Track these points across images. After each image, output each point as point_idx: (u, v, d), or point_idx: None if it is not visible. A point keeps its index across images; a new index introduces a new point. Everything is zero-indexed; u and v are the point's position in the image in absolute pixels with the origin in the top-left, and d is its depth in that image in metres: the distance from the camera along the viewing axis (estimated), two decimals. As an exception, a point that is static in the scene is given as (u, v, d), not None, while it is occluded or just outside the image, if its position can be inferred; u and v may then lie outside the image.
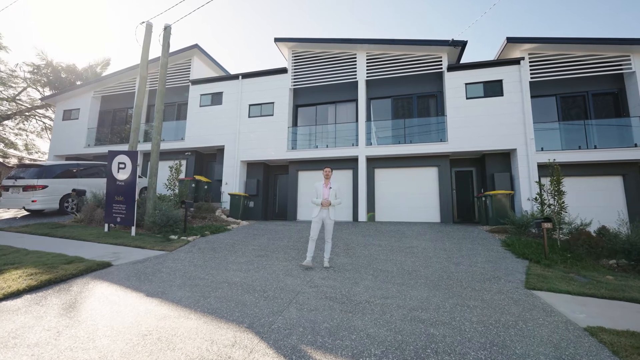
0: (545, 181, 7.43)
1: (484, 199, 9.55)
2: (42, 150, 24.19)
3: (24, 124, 21.77)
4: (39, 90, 20.81)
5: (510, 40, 10.44)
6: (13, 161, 22.79)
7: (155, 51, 13.59)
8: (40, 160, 22.08)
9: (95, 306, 3.30)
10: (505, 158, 10.76)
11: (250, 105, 13.11)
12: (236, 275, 4.51)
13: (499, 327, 2.95)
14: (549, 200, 6.74)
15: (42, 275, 3.98)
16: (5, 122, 20.79)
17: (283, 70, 12.93)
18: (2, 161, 21.55)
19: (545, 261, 5.27)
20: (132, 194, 7.31)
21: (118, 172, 7.48)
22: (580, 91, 10.68)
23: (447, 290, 3.99)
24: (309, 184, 11.94)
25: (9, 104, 19.88)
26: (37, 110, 21.63)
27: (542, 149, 10.05)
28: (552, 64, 10.41)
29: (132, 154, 7.51)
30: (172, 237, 7.15)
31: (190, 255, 5.63)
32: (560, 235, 6.51)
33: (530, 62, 10.50)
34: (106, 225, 7.48)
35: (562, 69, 10.32)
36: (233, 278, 4.35)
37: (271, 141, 12.44)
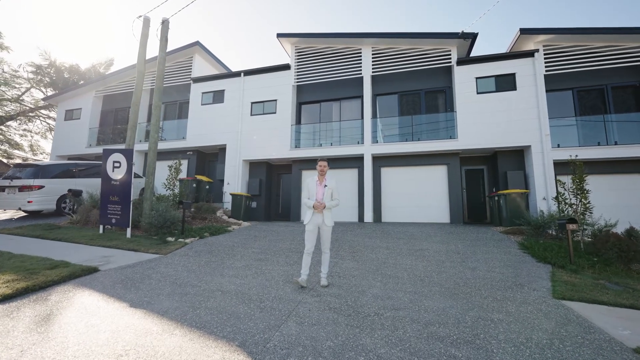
0: (564, 179, 6.93)
1: (497, 198, 9.06)
2: (47, 151, 24.21)
3: (27, 125, 21.75)
4: (42, 91, 20.76)
5: (524, 31, 9.92)
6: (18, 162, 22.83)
7: (155, 47, 13.33)
8: (44, 161, 22.03)
9: (70, 319, 2.95)
10: (518, 155, 10.24)
11: (252, 103, 12.76)
12: (232, 282, 4.13)
13: (532, 347, 2.52)
14: (570, 199, 6.25)
15: (19, 282, 3.65)
16: (9, 122, 20.78)
17: (286, 67, 12.57)
18: (7, 162, 21.56)
19: (570, 266, 4.81)
20: (127, 194, 6.99)
21: (113, 171, 7.17)
22: (598, 84, 10.11)
23: (466, 300, 3.57)
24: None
25: (12, 105, 19.83)
26: (41, 111, 21.61)
27: (558, 146, 9.52)
28: (568, 56, 9.87)
29: (127, 152, 7.20)
30: (169, 239, 6.81)
31: (185, 259, 5.27)
32: (584, 238, 6.02)
33: (545, 54, 9.97)
34: (101, 226, 7.17)
35: (579, 61, 9.77)
36: (228, 285, 3.97)
37: (274, 140, 12.08)
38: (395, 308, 3.31)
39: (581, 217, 6.01)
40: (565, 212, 6.32)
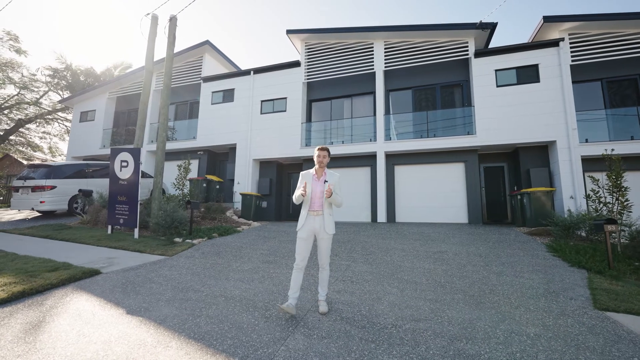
0: (598, 176, 6.38)
1: (519, 197, 8.52)
2: (65, 152, 24.88)
3: (45, 127, 22.33)
4: (59, 94, 21.26)
5: (548, 19, 9.32)
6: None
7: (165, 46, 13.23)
8: (57, 162, 22.56)
9: (62, 327, 2.74)
10: (542, 151, 9.63)
11: (262, 101, 12.57)
12: (237, 286, 3.87)
13: (581, 370, 2.14)
14: (605, 197, 5.72)
15: (16, 285, 3.49)
16: (29, 125, 21.36)
17: (296, 64, 12.31)
18: (26, 164, 22.21)
19: (610, 272, 4.33)
20: (134, 194, 6.87)
21: (121, 170, 7.07)
22: (630, 74, 9.38)
23: (494, 310, 3.19)
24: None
25: (31, 107, 20.38)
26: (59, 114, 22.15)
27: (586, 141, 8.89)
28: (596, 45, 9.20)
29: (134, 152, 7.08)
30: (177, 239, 6.64)
31: (190, 262, 5.06)
32: (621, 240, 5.49)
33: (571, 43, 9.34)
34: (109, 227, 7.08)
35: (609, 49, 9.09)
36: (232, 291, 3.71)
37: (284, 138, 11.85)
38: (415, 319, 2.97)
39: (618, 216, 5.48)
40: (600, 211, 5.79)
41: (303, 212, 3.15)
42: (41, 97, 20.66)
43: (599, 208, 5.79)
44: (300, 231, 3.10)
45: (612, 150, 6.21)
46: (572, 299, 3.53)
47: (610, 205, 5.62)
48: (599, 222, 4.55)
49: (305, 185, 3.03)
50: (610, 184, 5.57)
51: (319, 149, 3.25)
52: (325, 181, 3.17)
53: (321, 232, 3.08)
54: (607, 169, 5.69)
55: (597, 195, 5.73)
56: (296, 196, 3.13)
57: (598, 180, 5.77)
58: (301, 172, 3.28)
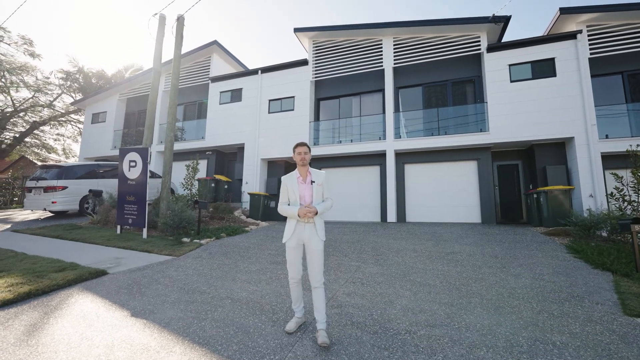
0: (621, 173, 6.07)
1: (535, 196, 8.21)
2: (78, 154, 25.38)
3: (58, 129, 22.80)
4: (72, 96, 21.67)
5: (564, 11, 8.96)
6: (52, 165, 24.01)
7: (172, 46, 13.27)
8: (68, 162, 22.98)
9: (66, 329, 2.68)
10: (559, 148, 9.28)
11: (270, 100, 12.51)
12: (244, 288, 3.77)
13: (616, 385, 1.95)
14: (629, 196, 5.42)
15: (23, 286, 3.47)
16: (43, 127, 21.84)
17: (303, 62, 12.20)
18: (39, 164, 22.71)
19: (638, 275, 4.06)
20: (143, 194, 6.86)
21: (129, 170, 7.08)
22: (654, 66, 8.97)
23: (515, 316, 2.99)
24: (332, 182, 11.11)
25: (45, 110, 20.83)
26: (72, 116, 22.58)
27: (606, 137, 8.51)
28: (616, 36, 8.81)
29: (142, 151, 7.07)
30: (185, 239, 6.60)
31: (198, 262, 4.99)
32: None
33: (589, 35, 8.96)
34: (118, 227, 7.09)
35: (630, 41, 8.69)
36: (239, 292, 3.61)
37: (292, 137, 11.73)
38: (430, 324, 2.80)
39: (644, 216, 5.18)
40: (624, 210, 5.49)
41: (291, 221, 2.71)
42: (55, 99, 21.09)
43: (623, 207, 5.49)
44: (289, 241, 2.68)
45: (638, 146, 5.89)
46: (599, 303, 3.31)
47: (635, 204, 5.32)
48: (625, 222, 4.29)
49: (305, 212, 2.61)
50: (635, 181, 5.27)
51: (298, 146, 2.80)
52: (313, 181, 2.77)
53: (313, 241, 2.64)
54: (632, 165, 5.39)
55: (622, 193, 5.43)
56: (287, 212, 2.70)
57: (622, 177, 5.47)
58: (282, 178, 2.83)
